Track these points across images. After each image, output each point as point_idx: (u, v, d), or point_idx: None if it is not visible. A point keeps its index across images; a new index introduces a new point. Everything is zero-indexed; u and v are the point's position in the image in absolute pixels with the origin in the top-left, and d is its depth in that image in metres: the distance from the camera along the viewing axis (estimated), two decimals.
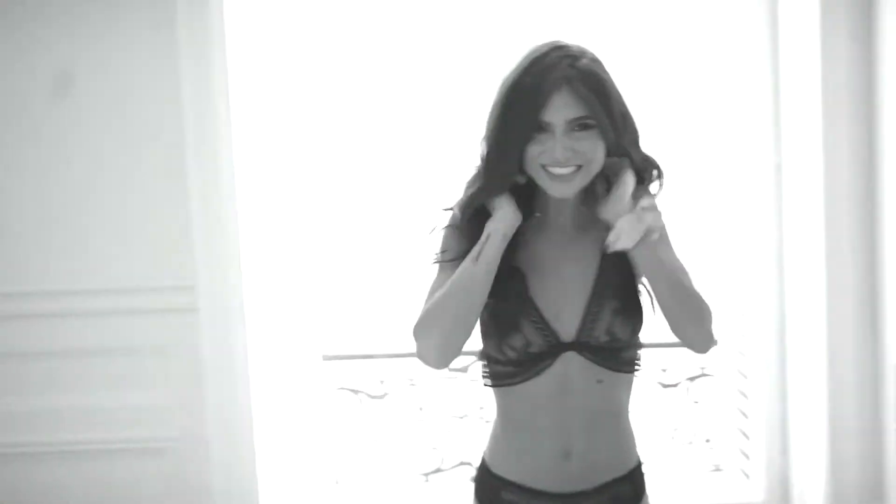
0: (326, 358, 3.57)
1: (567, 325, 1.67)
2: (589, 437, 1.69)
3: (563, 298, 1.68)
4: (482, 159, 1.66)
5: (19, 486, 3.02)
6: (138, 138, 2.87)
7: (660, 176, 1.70)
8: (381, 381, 3.65)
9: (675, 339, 1.69)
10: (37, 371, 2.95)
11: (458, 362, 1.68)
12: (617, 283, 1.69)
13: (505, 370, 1.68)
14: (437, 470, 3.60)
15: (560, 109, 1.56)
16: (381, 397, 3.69)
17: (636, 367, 1.73)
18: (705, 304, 1.66)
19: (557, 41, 1.62)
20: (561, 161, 1.58)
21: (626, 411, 1.75)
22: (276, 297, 3.04)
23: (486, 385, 1.74)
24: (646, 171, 1.67)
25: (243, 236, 2.87)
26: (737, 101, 3.06)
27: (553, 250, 1.71)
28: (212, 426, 2.90)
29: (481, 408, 3.54)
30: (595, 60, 1.62)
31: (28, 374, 2.96)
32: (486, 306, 1.65)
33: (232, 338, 2.86)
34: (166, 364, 2.94)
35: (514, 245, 1.65)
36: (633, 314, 1.69)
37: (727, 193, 3.16)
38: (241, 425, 2.90)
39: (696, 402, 3.55)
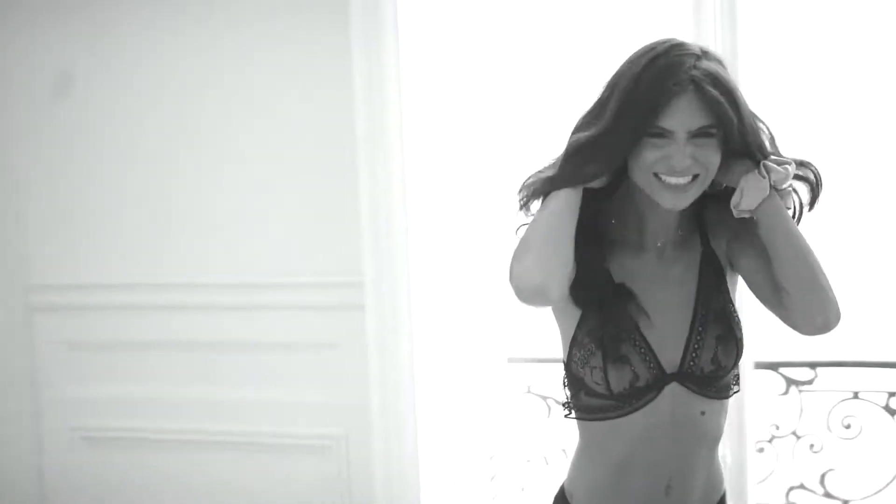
0: (512, 360, 3.43)
1: (671, 354, 1.51)
2: (689, 469, 1.55)
3: (666, 325, 1.52)
4: (571, 152, 1.48)
5: (189, 471, 3.14)
6: (311, 137, 2.90)
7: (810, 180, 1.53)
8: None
9: None
10: (211, 362, 3.03)
11: None
12: (717, 308, 1.52)
13: (601, 403, 1.52)
14: None
15: (684, 116, 1.41)
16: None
17: (735, 390, 1.57)
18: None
19: (674, 39, 1.46)
20: (679, 171, 1.43)
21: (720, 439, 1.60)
22: (449, 296, 2.93)
23: (569, 417, 1.58)
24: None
25: (413, 233, 2.79)
26: None
27: (650, 272, 1.55)
28: (376, 426, 2.83)
29: None
30: (719, 61, 1.46)
31: (204, 364, 3.06)
32: (584, 325, 1.50)
33: (398, 336, 2.77)
34: (334, 361, 2.92)
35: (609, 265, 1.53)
36: (735, 340, 1.52)
37: None
38: (405, 427, 2.81)
39: None
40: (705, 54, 1.44)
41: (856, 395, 3.15)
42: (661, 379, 1.50)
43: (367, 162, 2.76)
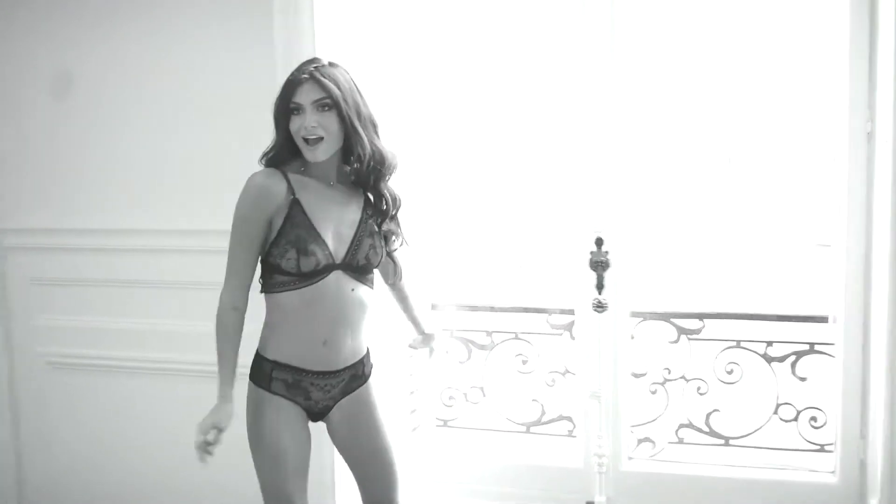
0: (435, 307, 3.75)
1: (339, 250, 2.39)
2: (340, 330, 2.41)
3: (339, 232, 2.40)
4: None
5: (132, 392, 3.55)
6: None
7: (384, 168, 2.43)
8: (488, 333, 3.74)
9: None
10: (146, 298, 3.48)
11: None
12: (370, 231, 2.47)
13: (290, 279, 2.34)
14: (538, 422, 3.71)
15: (306, 94, 2.30)
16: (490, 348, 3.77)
17: (373, 284, 2.48)
18: None
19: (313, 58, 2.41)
20: (310, 130, 2.31)
21: (367, 317, 2.46)
22: None
23: (266, 292, 2.39)
24: (373, 160, 2.40)
25: None
26: None
27: (324, 198, 2.40)
28: None
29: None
30: (334, 66, 2.36)
31: (141, 300, 3.49)
32: (284, 237, 2.33)
33: None
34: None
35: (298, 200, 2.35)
36: (380, 249, 2.48)
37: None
38: None
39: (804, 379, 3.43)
40: (330, 63, 2.35)
41: (738, 344, 3.46)
42: (332, 265, 2.36)
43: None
